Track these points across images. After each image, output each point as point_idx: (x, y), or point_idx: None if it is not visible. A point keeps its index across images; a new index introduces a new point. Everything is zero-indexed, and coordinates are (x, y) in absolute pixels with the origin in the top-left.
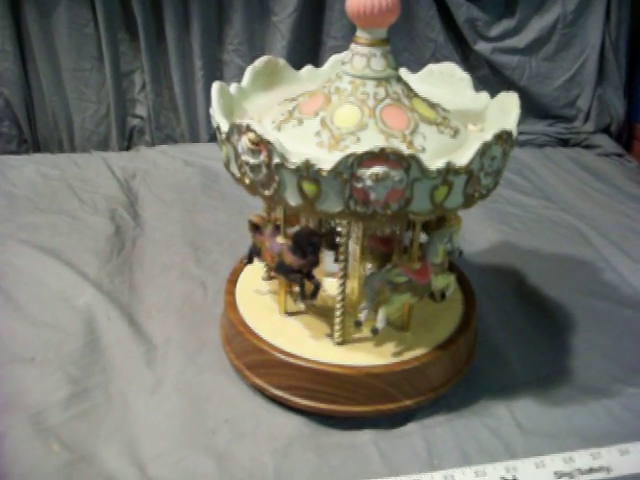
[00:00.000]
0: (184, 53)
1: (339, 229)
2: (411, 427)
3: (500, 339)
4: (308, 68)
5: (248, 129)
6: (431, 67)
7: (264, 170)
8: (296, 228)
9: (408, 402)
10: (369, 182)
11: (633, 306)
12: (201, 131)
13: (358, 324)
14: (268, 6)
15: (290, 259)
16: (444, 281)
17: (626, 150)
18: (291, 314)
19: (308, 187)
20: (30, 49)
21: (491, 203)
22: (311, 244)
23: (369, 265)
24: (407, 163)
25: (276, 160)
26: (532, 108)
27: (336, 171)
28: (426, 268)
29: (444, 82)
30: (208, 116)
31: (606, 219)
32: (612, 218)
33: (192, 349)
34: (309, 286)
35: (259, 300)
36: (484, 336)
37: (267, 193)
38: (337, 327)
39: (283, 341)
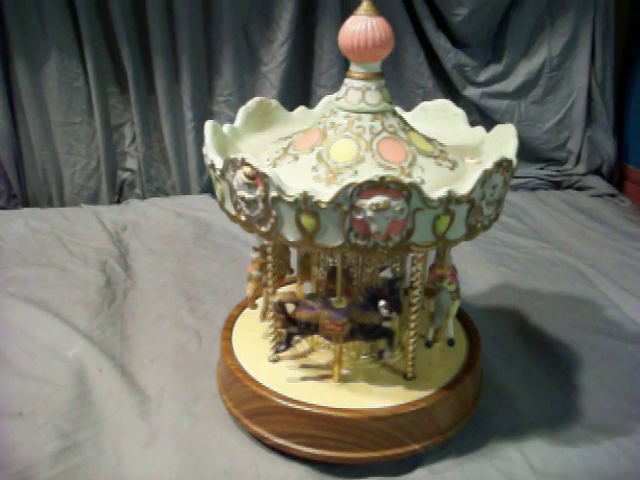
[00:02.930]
0: (174, 104)
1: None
2: (420, 473)
3: (506, 380)
4: (301, 109)
5: (244, 163)
6: (425, 104)
7: (260, 205)
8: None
9: (416, 446)
10: (369, 213)
11: (639, 342)
12: (192, 183)
13: (429, 344)
14: (257, 56)
15: (368, 317)
16: (455, 306)
17: (618, 190)
18: (289, 358)
19: (307, 221)
20: (20, 103)
21: (488, 245)
22: (392, 291)
23: None
24: (408, 192)
25: (273, 193)
26: (523, 152)
27: (335, 202)
28: (454, 271)
29: (438, 118)
30: (199, 168)
31: (604, 257)
32: (610, 256)
33: (188, 399)
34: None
35: (256, 346)
36: (489, 377)
37: (264, 229)
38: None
39: (284, 386)
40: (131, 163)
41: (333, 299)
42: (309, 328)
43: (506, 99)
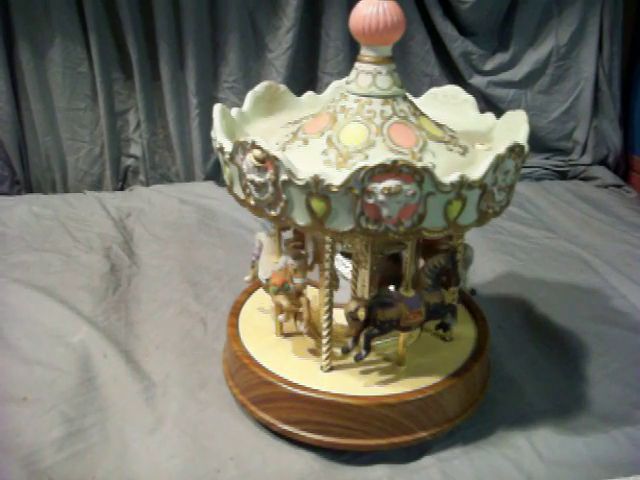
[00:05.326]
0: (179, 91)
1: None
2: (427, 460)
3: (513, 369)
4: (309, 94)
5: (254, 146)
6: (434, 90)
7: (270, 189)
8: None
9: (424, 434)
10: (381, 197)
11: None
12: (197, 170)
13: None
14: (263, 43)
15: (436, 297)
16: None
17: (624, 181)
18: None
19: (317, 205)
20: (23, 88)
21: (494, 235)
22: (447, 272)
23: None
24: (420, 176)
25: (283, 177)
26: (529, 141)
27: (347, 186)
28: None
29: (448, 104)
30: (204, 154)
31: (610, 248)
32: (616, 247)
33: (193, 386)
34: None
35: (263, 332)
36: (496, 366)
37: (273, 213)
38: None
39: (291, 372)
40: (135, 149)
41: (400, 290)
42: (392, 325)
43: (513, 88)
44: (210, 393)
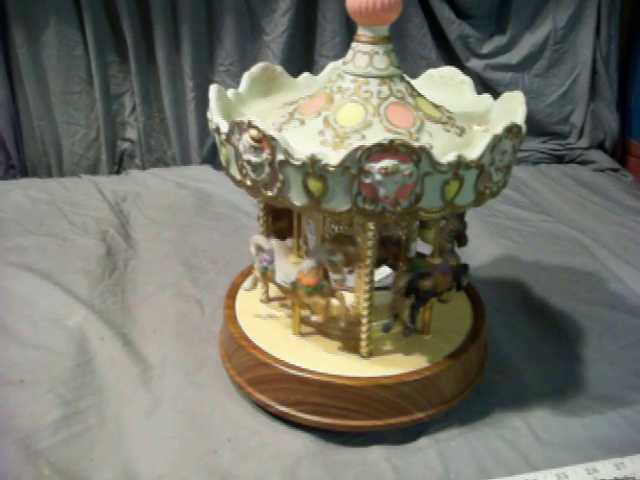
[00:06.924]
0: (175, 75)
1: None
2: (424, 442)
3: (509, 351)
4: (306, 75)
5: (250, 125)
6: (431, 72)
7: (267, 169)
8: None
9: (420, 415)
10: (378, 176)
11: None
12: (193, 154)
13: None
14: (259, 25)
15: (455, 260)
16: None
17: (621, 165)
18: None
19: (314, 185)
20: (18, 72)
21: (490, 217)
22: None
23: None
24: (417, 156)
25: (280, 157)
26: (526, 125)
27: (344, 166)
28: None
29: (445, 86)
30: (200, 138)
31: (607, 231)
32: (613, 230)
33: (190, 368)
34: None
35: (260, 313)
36: (493, 349)
37: (270, 194)
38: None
39: (288, 354)
40: (131, 133)
41: (428, 259)
42: (431, 294)
43: (510, 71)
44: (207, 375)
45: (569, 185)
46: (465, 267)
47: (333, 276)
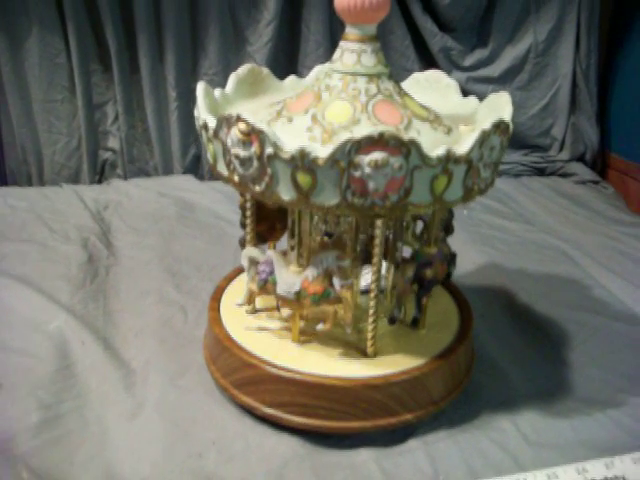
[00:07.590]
0: (158, 84)
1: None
2: (413, 443)
3: (496, 356)
4: (292, 78)
5: (239, 119)
6: (416, 75)
7: (255, 163)
8: None
9: (409, 416)
10: (368, 170)
11: (626, 320)
12: (175, 164)
13: None
14: (243, 36)
15: (447, 247)
16: None
17: (601, 177)
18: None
19: (303, 179)
20: None
21: (474, 227)
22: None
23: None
24: (407, 149)
25: (269, 150)
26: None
27: (333, 159)
28: None
29: (430, 89)
30: (182, 148)
31: (589, 241)
32: (595, 240)
33: (173, 372)
34: None
35: (244, 316)
36: (479, 353)
37: (258, 189)
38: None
39: (274, 355)
40: (113, 143)
41: (425, 248)
42: (434, 282)
43: (492, 84)
44: (191, 379)
45: (551, 197)
46: (454, 256)
47: (340, 282)
